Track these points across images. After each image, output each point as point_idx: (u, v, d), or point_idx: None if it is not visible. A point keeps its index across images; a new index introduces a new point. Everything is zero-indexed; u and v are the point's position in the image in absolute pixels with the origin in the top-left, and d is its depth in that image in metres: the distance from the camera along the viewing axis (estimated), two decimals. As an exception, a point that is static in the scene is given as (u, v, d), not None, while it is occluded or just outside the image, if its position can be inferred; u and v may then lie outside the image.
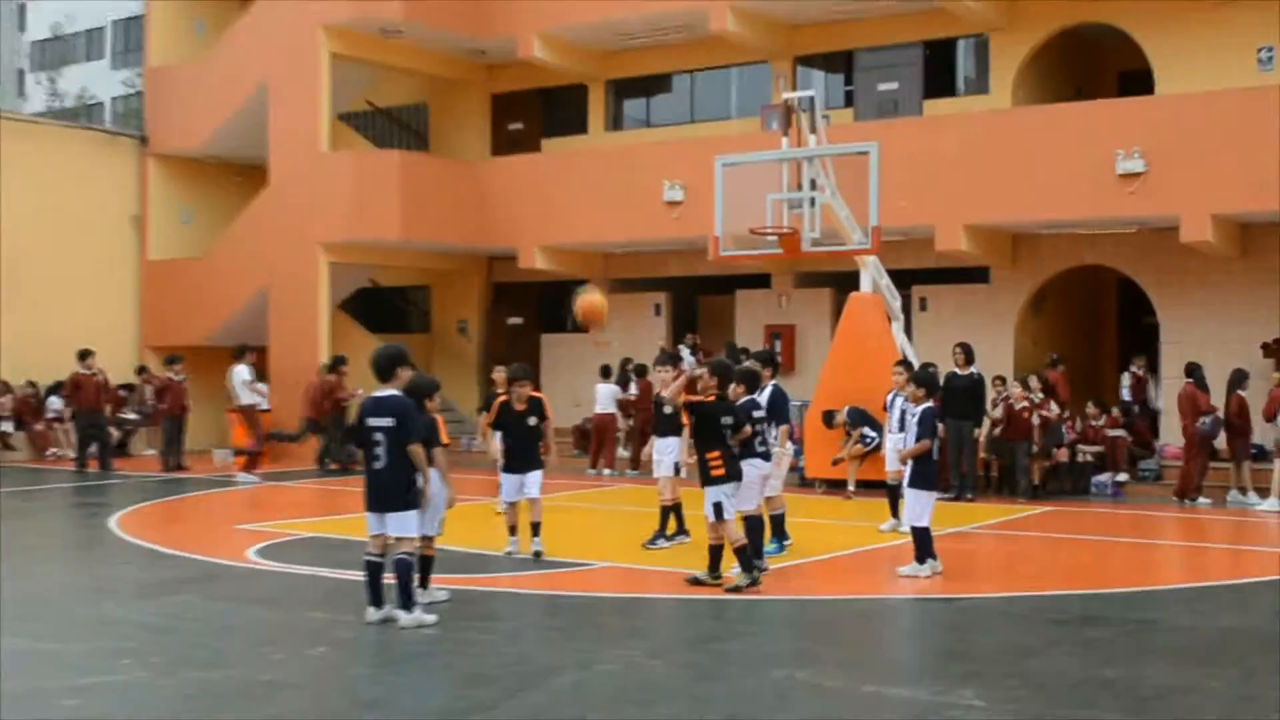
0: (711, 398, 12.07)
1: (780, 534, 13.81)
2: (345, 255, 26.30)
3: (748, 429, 12.35)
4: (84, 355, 24.12)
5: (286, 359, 26.02)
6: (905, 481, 12.67)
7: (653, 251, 26.76)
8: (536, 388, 13.93)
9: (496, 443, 13.89)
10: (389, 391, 10.09)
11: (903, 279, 22.82)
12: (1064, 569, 13.74)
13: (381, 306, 31.42)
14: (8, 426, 26.06)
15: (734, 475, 11.82)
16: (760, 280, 26.27)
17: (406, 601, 10.00)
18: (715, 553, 11.81)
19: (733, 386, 12.75)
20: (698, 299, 28.33)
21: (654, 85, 28.59)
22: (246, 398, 23.07)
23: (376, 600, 10.16)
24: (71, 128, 31.00)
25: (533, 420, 13.46)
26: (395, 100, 31.05)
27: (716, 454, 11.74)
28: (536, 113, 29.82)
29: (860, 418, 19.84)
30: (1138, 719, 7.66)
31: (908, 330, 22.46)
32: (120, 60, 67.90)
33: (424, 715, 7.70)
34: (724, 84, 27.58)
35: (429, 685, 8.54)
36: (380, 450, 9.94)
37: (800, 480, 20.89)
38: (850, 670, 8.88)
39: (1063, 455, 20.23)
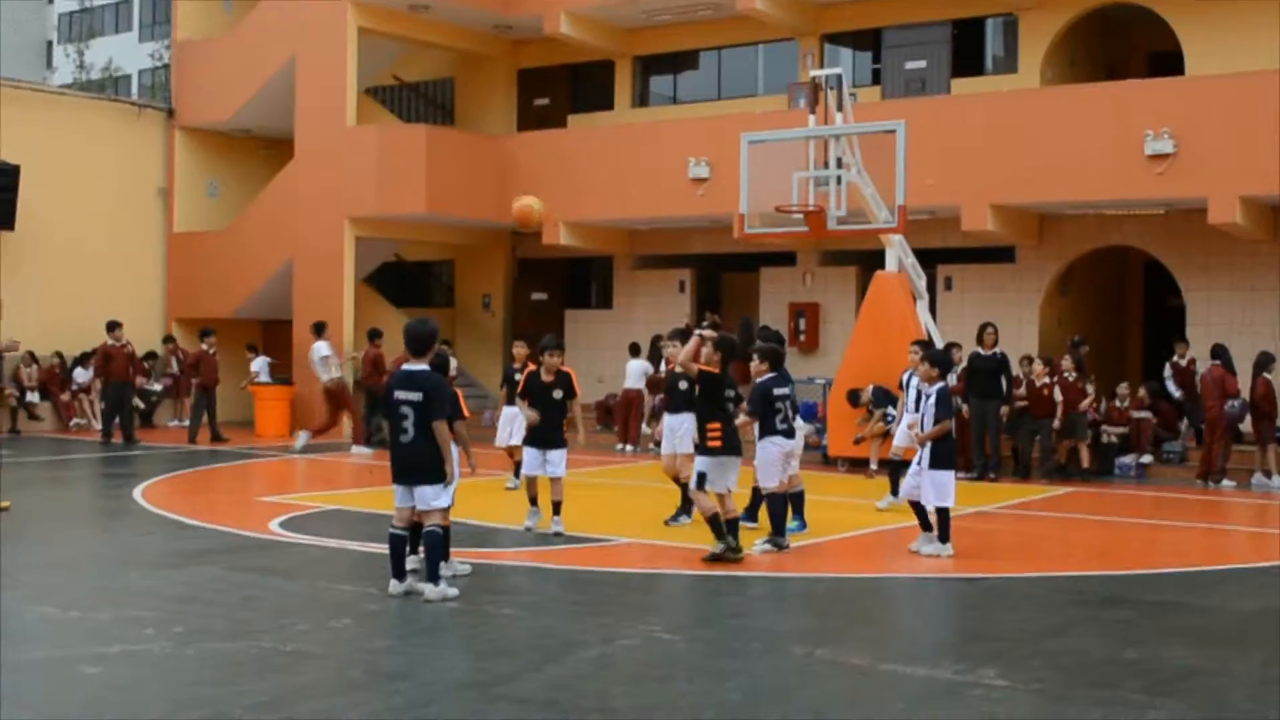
0: (716, 369, 12.11)
1: (801, 513, 13.83)
2: (371, 229, 26.32)
3: (744, 406, 12.42)
4: (113, 327, 24.31)
5: (311, 333, 26.04)
6: (920, 462, 12.59)
7: (678, 228, 26.71)
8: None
9: (530, 411, 13.73)
10: (420, 366, 10.10)
11: (928, 258, 22.75)
12: (1086, 550, 13.70)
13: (406, 280, 31.47)
14: (34, 397, 26.21)
15: (730, 449, 11.89)
16: (785, 258, 26.20)
17: (434, 574, 10.02)
18: (714, 523, 11.88)
19: (755, 364, 12.80)
20: (722, 276, 28.28)
21: (681, 62, 28.50)
22: (326, 374, 23.24)
23: (399, 573, 10.19)
24: (99, 100, 31.06)
25: (558, 394, 13.42)
26: (421, 75, 31.04)
27: (717, 425, 11.85)
28: (563, 89, 29.78)
29: (884, 397, 19.75)
30: (1161, 700, 7.63)
31: (932, 309, 22.37)
32: (148, 33, 68.07)
33: (445, 687, 7.72)
34: (751, 61, 27.48)
35: (450, 657, 8.56)
36: (408, 424, 9.95)
37: (823, 459, 20.88)
38: (871, 648, 8.87)
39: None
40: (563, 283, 29.73)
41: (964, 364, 20.15)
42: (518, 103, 29.92)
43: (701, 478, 11.91)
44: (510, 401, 16.26)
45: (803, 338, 25.37)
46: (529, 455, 13.49)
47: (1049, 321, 23.66)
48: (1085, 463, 19.66)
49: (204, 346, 24.80)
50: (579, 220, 26.17)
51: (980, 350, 19.76)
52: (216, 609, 9.86)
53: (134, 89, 63.75)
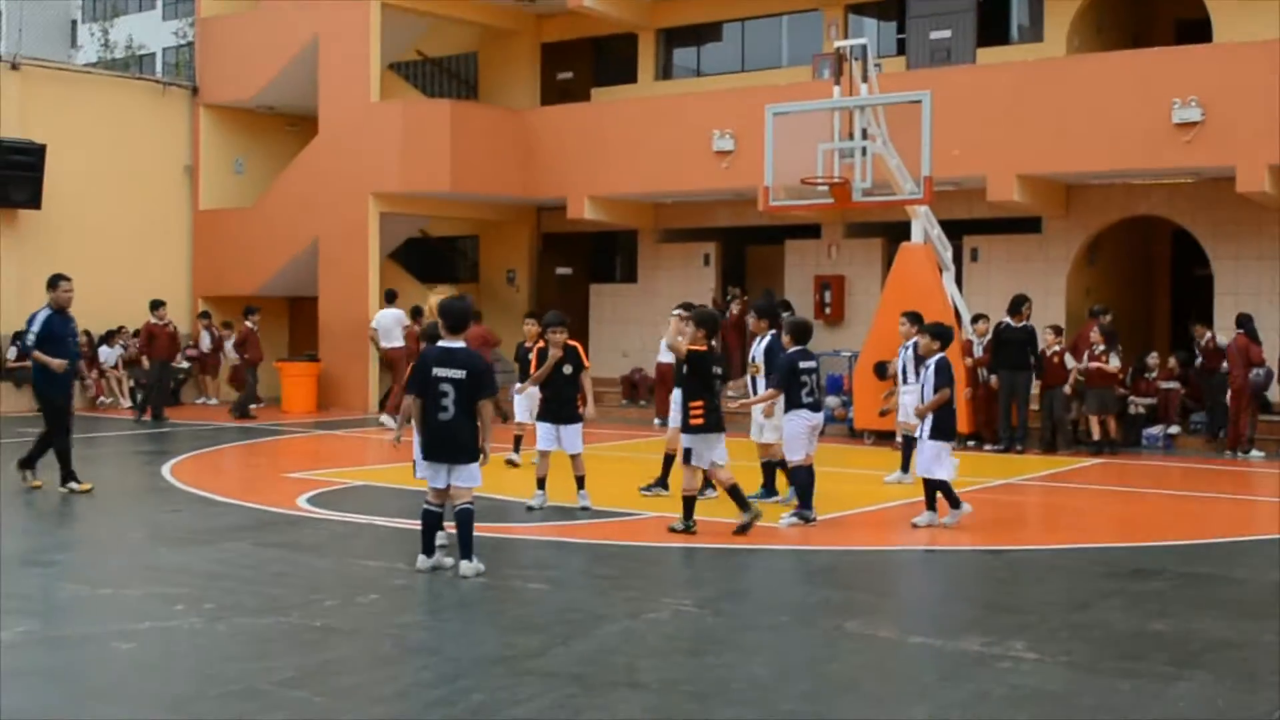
0: (702, 348, 12.14)
1: (770, 485, 13.97)
2: (395, 205, 26.34)
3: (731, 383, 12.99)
4: (156, 305, 24.75)
5: (337, 309, 26.15)
6: (922, 433, 12.56)
7: (702, 201, 26.66)
8: (573, 336, 13.82)
9: (525, 385, 13.84)
10: (459, 343, 10.11)
11: (954, 229, 22.66)
12: (1114, 521, 13.67)
13: (431, 256, 31.50)
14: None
15: (712, 426, 11.96)
16: (810, 230, 26.13)
17: (468, 551, 10.04)
18: (688, 501, 12.08)
19: (784, 338, 12.91)
20: (747, 249, 28.22)
21: (704, 34, 28.40)
22: (388, 342, 23.51)
23: (430, 549, 10.22)
24: (124, 78, 31.10)
25: (568, 369, 13.40)
26: (445, 50, 31.00)
27: (700, 403, 11.93)
28: (586, 62, 29.71)
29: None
30: (1189, 672, 7.62)
31: (959, 281, 22.31)
32: (171, 11, 68.13)
33: (473, 662, 7.75)
34: (775, 32, 27.37)
35: (478, 632, 8.59)
36: (448, 401, 9.93)
37: (849, 431, 20.87)
38: (899, 621, 8.88)
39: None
40: (587, 257, 29.72)
41: (989, 336, 20.09)
42: (541, 77, 29.88)
43: (688, 453, 12.03)
44: (524, 379, 16.26)
45: (828, 310, 25.32)
46: (543, 430, 13.42)
47: (1076, 292, 23.55)
48: (1112, 434, 19.55)
49: (249, 324, 25.29)
50: (603, 194, 26.13)
51: (1010, 322, 19.68)
52: (246, 585, 9.91)
53: (158, 67, 63.85)
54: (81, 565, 10.72)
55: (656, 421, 23.46)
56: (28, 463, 14.89)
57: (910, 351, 15.22)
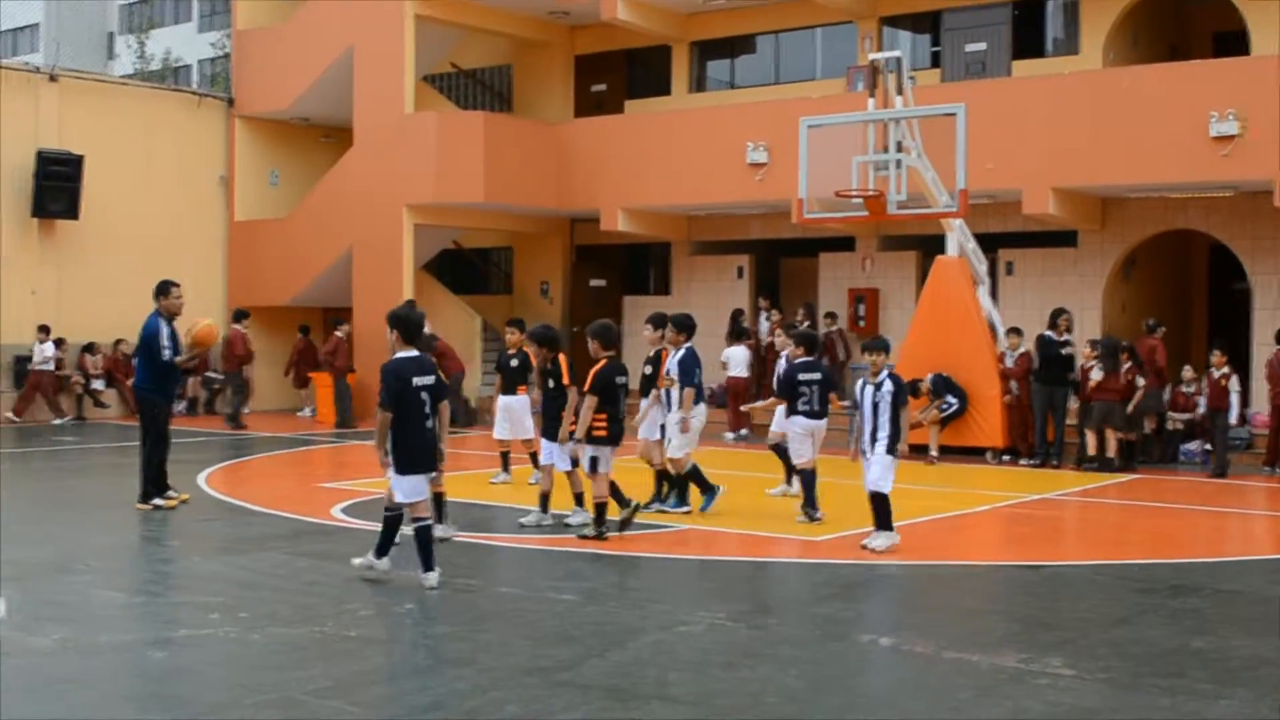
0: (604, 361, 12.53)
1: (683, 496, 14.06)
2: (429, 216, 26.40)
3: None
4: (241, 316, 25.48)
5: (371, 320, 26.16)
6: (875, 448, 12.05)
7: (736, 214, 26.64)
8: (554, 349, 13.35)
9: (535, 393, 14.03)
10: (416, 352, 10.16)
11: (989, 242, 22.58)
12: (1151, 537, 13.57)
13: (464, 268, 31.55)
14: (99, 384, 26.50)
15: (615, 438, 12.46)
16: (844, 243, 26.07)
17: (432, 560, 10.15)
18: (600, 508, 12.42)
19: (790, 347, 14.13)
20: (781, 262, 28.18)
21: (738, 46, 28.39)
22: None
23: (431, 564, 10.19)
24: (160, 89, 31.30)
25: (551, 383, 13.19)
26: (479, 62, 31.07)
27: (603, 416, 12.36)
28: (619, 74, 29.74)
29: (944, 385, 19.70)
30: (1229, 690, 7.54)
31: (993, 294, 22.24)
32: (206, 24, 68.57)
33: (508, 673, 7.74)
34: (809, 45, 27.34)
35: (512, 643, 8.57)
36: (428, 409, 10.00)
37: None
38: (935, 636, 8.82)
39: (1151, 424, 19.92)
40: (621, 269, 29.72)
41: (1022, 349, 19.99)
42: (575, 89, 29.92)
43: (594, 462, 12.42)
44: (505, 391, 16.13)
45: (862, 323, 25.25)
46: (549, 446, 13.12)
47: (1112, 307, 23.42)
48: (1110, 453, 19.12)
49: (338, 334, 25.47)
50: (636, 206, 26.13)
51: (1051, 335, 19.56)
52: (280, 594, 9.93)
53: (194, 79, 64.25)
54: (117, 572, 10.75)
55: (729, 436, 23.31)
56: (153, 492, 14.18)
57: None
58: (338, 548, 12.00)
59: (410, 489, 10.09)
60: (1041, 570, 11.51)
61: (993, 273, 22.72)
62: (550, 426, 12.98)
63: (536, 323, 14.92)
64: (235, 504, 14.76)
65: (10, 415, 25.02)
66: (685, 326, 14.23)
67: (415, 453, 10.02)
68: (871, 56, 21.19)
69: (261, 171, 29.70)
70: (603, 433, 12.37)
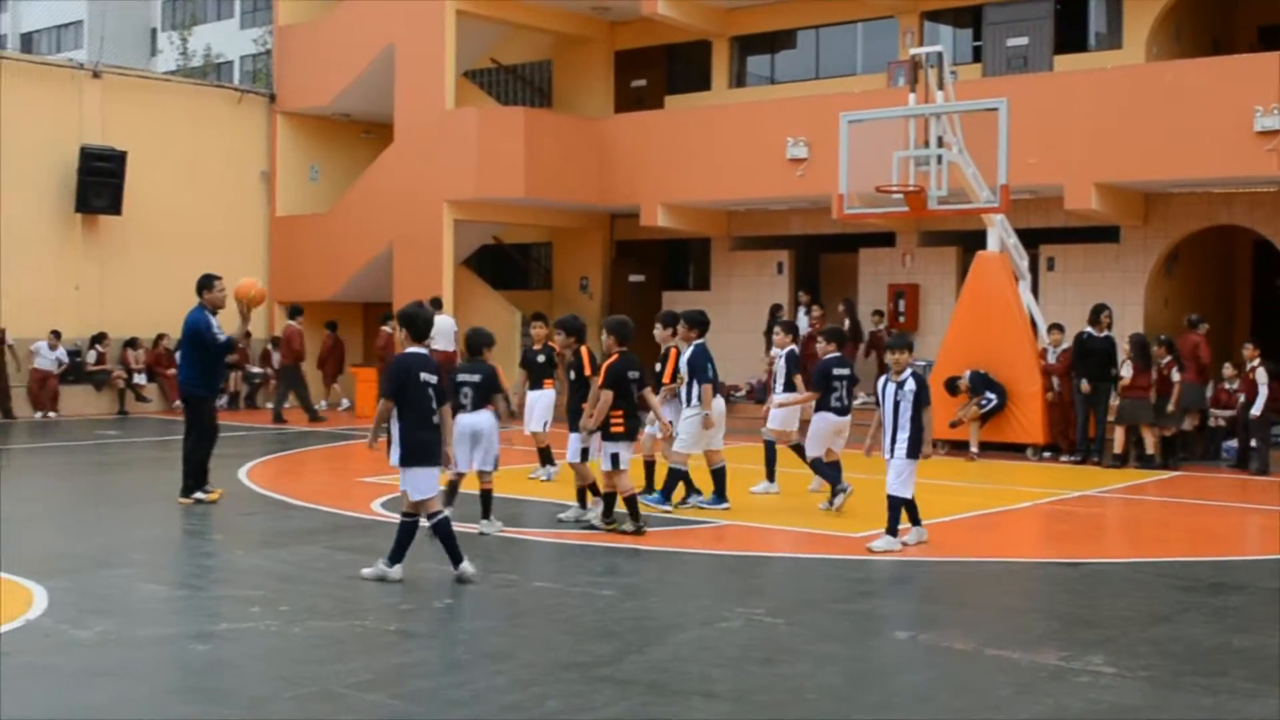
0: (616, 356, 12.48)
1: (721, 492, 14.05)
2: (469, 212, 26.47)
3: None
4: (296, 313, 25.73)
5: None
6: (895, 450, 11.83)
7: (776, 209, 26.61)
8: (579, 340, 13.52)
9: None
10: (424, 349, 10.20)
11: (1030, 238, 22.46)
12: (1193, 534, 13.48)
13: (504, 263, 31.63)
14: (140, 379, 26.69)
15: (632, 434, 12.48)
16: (884, 239, 26.01)
17: (459, 551, 10.21)
18: (609, 499, 12.52)
19: (822, 344, 13.93)
20: (821, 257, 28.13)
21: (779, 41, 28.36)
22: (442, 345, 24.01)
23: (458, 559, 10.21)
24: (202, 85, 31.53)
25: (573, 374, 13.33)
26: (519, 58, 31.14)
27: (620, 412, 12.30)
28: (660, 70, 29.73)
29: (982, 382, 19.61)
30: (1271, 689, 7.49)
31: (1035, 290, 22.13)
32: (248, 20, 68.89)
33: (548, 668, 7.75)
34: (849, 40, 27.28)
35: (552, 638, 8.59)
36: (435, 405, 10.04)
37: (923, 441, 20.71)
38: (974, 633, 8.78)
39: (1193, 420, 19.76)
40: (661, 264, 29.73)
41: (1065, 345, 19.89)
42: (615, 84, 29.94)
43: (615, 459, 12.34)
44: (533, 386, 16.10)
45: (902, 319, 25.18)
46: (576, 440, 13.07)
47: (1154, 303, 23.28)
48: (1150, 449, 18.95)
49: (386, 329, 25.64)
50: (676, 202, 26.14)
51: (1091, 331, 19.44)
52: (321, 588, 9.98)
53: (235, 75, 64.57)
54: (159, 566, 10.83)
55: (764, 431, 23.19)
56: (194, 486, 14.22)
57: (781, 361, 15.12)
58: (377, 542, 12.01)
59: (423, 485, 10.09)
60: (1081, 567, 11.45)
61: (1034, 268, 22.62)
62: (574, 419, 13.03)
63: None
64: (275, 498, 14.84)
65: (49, 413, 25.20)
66: (698, 323, 14.15)
67: (425, 445, 10.02)
68: (913, 51, 21.13)
69: (302, 167, 29.88)
70: (620, 428, 12.35)
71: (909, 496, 11.86)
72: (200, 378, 14.26)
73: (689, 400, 13.77)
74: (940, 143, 19.50)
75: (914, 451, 11.78)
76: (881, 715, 6.99)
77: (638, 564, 11.38)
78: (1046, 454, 19.64)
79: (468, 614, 9.39)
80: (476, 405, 12.05)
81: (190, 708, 7.05)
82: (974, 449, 19.40)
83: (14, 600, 9.25)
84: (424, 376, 9.97)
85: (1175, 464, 18.91)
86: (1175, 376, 18.90)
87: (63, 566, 10.60)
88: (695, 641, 8.49)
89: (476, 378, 12.04)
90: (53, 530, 12.95)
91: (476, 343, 12.47)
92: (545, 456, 16.24)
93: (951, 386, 19.63)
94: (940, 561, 11.66)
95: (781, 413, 14.95)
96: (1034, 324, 20.69)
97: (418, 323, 10.21)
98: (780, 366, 15.09)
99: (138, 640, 8.37)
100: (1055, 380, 19.78)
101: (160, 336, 26.95)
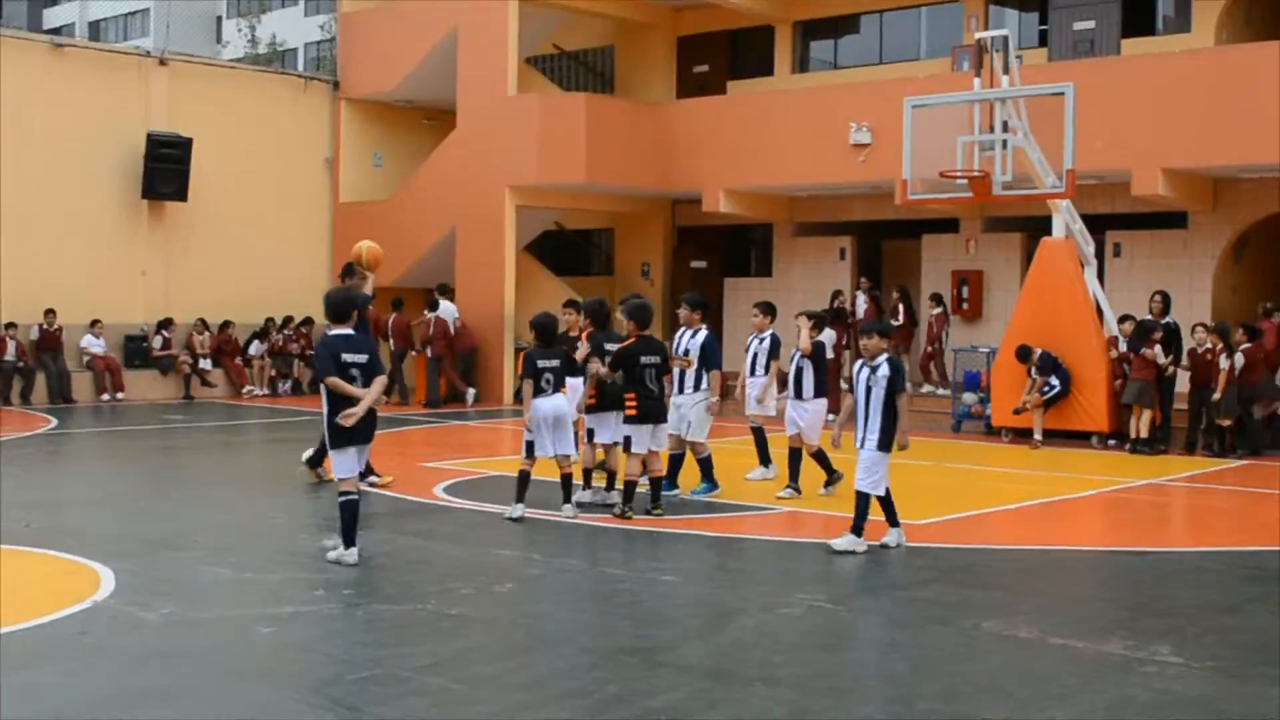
0: (633, 339, 12.56)
1: (709, 477, 13.94)
2: (531, 198, 26.50)
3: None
4: (399, 304, 26.07)
5: (473, 301, 26.37)
6: (865, 441, 11.11)
7: (838, 195, 26.46)
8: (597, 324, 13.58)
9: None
10: (349, 330, 10.27)
11: (1096, 224, 22.21)
12: (1261, 524, 13.29)
13: (565, 249, 31.66)
14: (206, 364, 26.90)
15: (645, 417, 12.44)
16: (948, 224, 25.81)
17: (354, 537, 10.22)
18: (628, 486, 12.50)
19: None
20: (883, 243, 27.97)
21: (842, 26, 28.19)
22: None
23: (353, 540, 10.22)
24: (267, 73, 31.73)
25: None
26: (581, 43, 31.13)
27: (633, 396, 12.42)
28: (722, 55, 29.63)
29: (1051, 364, 19.41)
30: (1343, 680, 7.39)
31: (1101, 277, 21.89)
32: (313, 8, 69.35)
33: (608, 653, 7.76)
34: (914, 24, 27.07)
35: (612, 624, 8.60)
36: (359, 385, 10.06)
37: (986, 429, 20.59)
38: (1039, 621, 8.70)
39: (1264, 409, 19.46)
40: (722, 250, 29.66)
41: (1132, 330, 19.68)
42: (677, 70, 29.87)
43: (628, 441, 12.43)
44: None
45: (965, 305, 24.99)
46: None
47: (1222, 289, 22.97)
48: (1143, 431, 18.75)
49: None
50: (738, 187, 26.05)
51: (1150, 319, 19.21)
52: (383, 572, 10.04)
53: (300, 62, 65.00)
54: (224, 549, 10.93)
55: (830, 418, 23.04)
56: (316, 460, 14.52)
57: (765, 343, 14.85)
58: (440, 527, 12.11)
59: (348, 464, 10.15)
60: (1147, 556, 11.34)
61: (1100, 255, 22.37)
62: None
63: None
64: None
65: (118, 395, 25.45)
66: (700, 305, 14.05)
67: (352, 425, 10.01)
68: (977, 35, 20.93)
69: (365, 154, 30.01)
70: (633, 411, 12.41)
71: (880, 494, 11.09)
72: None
73: (697, 385, 13.63)
74: (1005, 128, 19.32)
75: (885, 444, 11.00)
76: (945, 704, 6.94)
77: (696, 550, 11.37)
78: (1111, 442, 19.43)
79: (528, 598, 9.42)
80: (556, 389, 12.29)
81: (255, 689, 7.11)
82: (1038, 436, 19.22)
83: (82, 582, 9.37)
84: (347, 358, 10.08)
85: (1242, 453, 18.61)
86: (1224, 364, 18.61)
87: (129, 549, 10.73)
88: (756, 628, 8.48)
89: (555, 362, 12.29)
90: (119, 514, 13.09)
91: (551, 328, 12.55)
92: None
93: (1024, 354, 19.38)
94: (1004, 549, 11.58)
95: (761, 398, 14.85)
96: (1100, 311, 20.47)
97: (332, 306, 10.41)
98: (763, 348, 14.85)
99: (205, 621, 8.45)
100: (1128, 367, 19.51)
101: (227, 324, 27.18)
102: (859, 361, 11.42)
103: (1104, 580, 10.77)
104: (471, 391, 25.40)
